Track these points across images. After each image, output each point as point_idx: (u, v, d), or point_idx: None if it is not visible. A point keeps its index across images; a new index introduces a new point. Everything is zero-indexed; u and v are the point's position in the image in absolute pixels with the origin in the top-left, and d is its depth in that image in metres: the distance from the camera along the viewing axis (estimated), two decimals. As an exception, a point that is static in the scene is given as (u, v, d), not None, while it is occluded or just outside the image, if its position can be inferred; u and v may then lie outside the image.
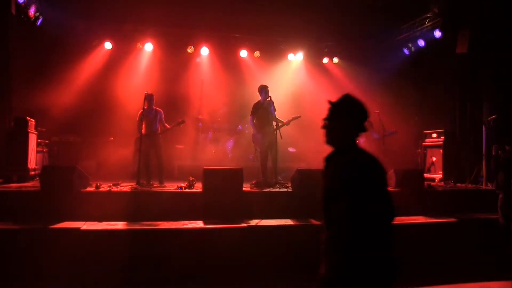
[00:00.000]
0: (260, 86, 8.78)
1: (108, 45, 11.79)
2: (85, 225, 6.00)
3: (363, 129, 2.84)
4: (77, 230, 5.81)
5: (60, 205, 6.39)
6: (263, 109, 8.64)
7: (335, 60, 13.47)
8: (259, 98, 8.79)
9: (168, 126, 8.72)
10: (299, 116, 8.84)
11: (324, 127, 2.88)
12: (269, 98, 8.62)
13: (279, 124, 8.58)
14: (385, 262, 2.81)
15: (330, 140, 2.88)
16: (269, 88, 8.73)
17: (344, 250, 2.74)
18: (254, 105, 8.76)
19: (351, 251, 2.73)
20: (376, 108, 10.18)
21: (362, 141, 9.63)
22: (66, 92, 10.78)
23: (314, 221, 6.72)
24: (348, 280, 2.69)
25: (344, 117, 2.82)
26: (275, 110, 8.80)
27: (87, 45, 11.64)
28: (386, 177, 2.81)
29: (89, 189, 7.19)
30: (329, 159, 2.87)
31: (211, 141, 11.70)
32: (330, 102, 2.88)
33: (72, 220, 6.20)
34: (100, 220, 6.31)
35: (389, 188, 8.16)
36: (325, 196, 2.88)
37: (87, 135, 11.13)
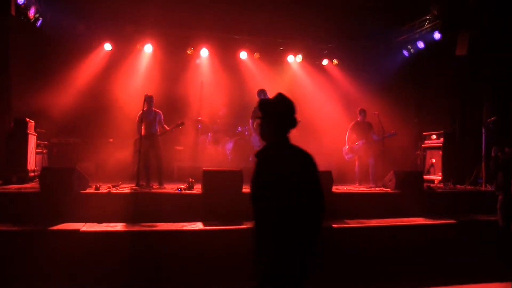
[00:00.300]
0: (258, 90, 8.87)
1: (107, 46, 11.77)
2: (84, 227, 6.00)
3: (293, 125, 3.08)
4: (77, 231, 5.81)
5: (59, 207, 6.38)
6: None
7: (335, 61, 13.47)
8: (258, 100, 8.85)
9: (167, 128, 8.72)
10: (299, 121, 8.92)
11: (259, 124, 3.10)
12: None
13: None
14: (295, 260, 2.87)
15: (263, 135, 3.10)
16: (267, 91, 8.81)
17: (256, 245, 2.93)
18: (254, 108, 8.84)
19: (261, 247, 2.89)
20: (375, 109, 10.18)
21: (361, 143, 9.62)
22: (65, 94, 10.75)
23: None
24: (263, 275, 2.89)
25: (274, 115, 3.04)
26: None
27: (87, 46, 11.63)
28: (315, 173, 2.97)
29: (88, 190, 7.19)
30: (260, 154, 3.06)
31: (211, 142, 11.69)
32: (262, 101, 3.15)
33: (71, 221, 6.20)
34: (99, 221, 6.31)
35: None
36: (251, 191, 3.05)
37: (86, 136, 11.11)
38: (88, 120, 11.29)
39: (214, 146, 11.60)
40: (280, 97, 3.11)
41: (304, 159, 2.97)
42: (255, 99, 8.99)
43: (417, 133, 11.60)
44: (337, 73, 13.45)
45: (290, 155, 2.97)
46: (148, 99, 8.45)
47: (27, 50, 10.25)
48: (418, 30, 11.56)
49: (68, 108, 10.72)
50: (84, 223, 6.16)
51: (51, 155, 10.37)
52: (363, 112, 9.89)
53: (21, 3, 8.90)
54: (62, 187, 6.58)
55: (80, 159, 10.43)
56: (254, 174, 3.00)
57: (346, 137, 9.90)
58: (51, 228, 5.87)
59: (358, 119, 9.93)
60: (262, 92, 8.81)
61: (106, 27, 11.59)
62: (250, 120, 8.85)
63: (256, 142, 8.84)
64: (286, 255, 2.83)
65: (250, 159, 11.16)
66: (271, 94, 8.66)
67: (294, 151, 3.00)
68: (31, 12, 9.65)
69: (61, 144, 10.63)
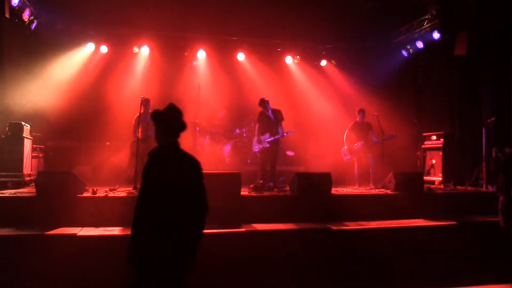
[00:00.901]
0: (260, 100, 8.92)
1: (104, 48, 11.71)
2: (81, 231, 5.94)
3: (182, 129, 3.58)
4: (74, 236, 5.75)
5: (56, 211, 6.33)
6: (266, 118, 8.83)
7: (333, 62, 13.42)
8: (257, 101, 9.00)
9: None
10: (293, 132, 8.98)
11: (155, 129, 3.58)
12: (269, 108, 8.80)
13: (276, 135, 8.71)
14: (173, 258, 3.31)
15: (156, 139, 3.58)
16: (265, 98, 8.88)
17: (133, 242, 3.42)
18: (259, 113, 8.96)
19: (138, 244, 3.36)
20: (375, 110, 10.11)
21: (360, 144, 9.56)
22: (61, 96, 10.68)
23: (313, 225, 6.68)
24: (137, 273, 3.38)
25: (163, 122, 3.54)
26: (282, 120, 8.93)
27: (82, 49, 11.58)
28: (198, 176, 3.49)
29: (85, 194, 7.13)
30: (150, 153, 3.56)
31: (209, 145, 11.62)
32: (154, 110, 3.60)
33: (68, 225, 6.14)
34: (96, 225, 6.26)
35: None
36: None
37: (83, 139, 11.06)
38: (85, 123, 11.22)
39: (212, 149, 11.52)
40: (169, 106, 3.61)
41: (190, 162, 3.48)
42: (253, 100, 8.99)
43: (417, 134, 11.55)
44: (335, 74, 13.39)
45: (177, 158, 3.48)
46: (144, 102, 8.41)
47: (22, 53, 10.20)
48: (417, 30, 11.52)
49: (64, 111, 10.66)
50: (81, 227, 6.10)
51: (47, 159, 10.29)
52: (362, 112, 9.83)
53: (15, 5, 8.82)
54: (58, 191, 6.51)
55: (77, 162, 10.36)
56: (143, 172, 3.45)
57: (345, 137, 9.83)
58: (48, 232, 5.81)
59: (357, 119, 9.87)
60: (262, 102, 8.84)
61: (102, 29, 11.55)
62: (257, 124, 8.89)
63: (255, 145, 8.85)
64: (163, 252, 3.24)
65: (249, 161, 11.13)
66: (270, 98, 8.74)
67: (181, 154, 3.52)
68: (26, 15, 9.58)
69: (57, 148, 10.57)
